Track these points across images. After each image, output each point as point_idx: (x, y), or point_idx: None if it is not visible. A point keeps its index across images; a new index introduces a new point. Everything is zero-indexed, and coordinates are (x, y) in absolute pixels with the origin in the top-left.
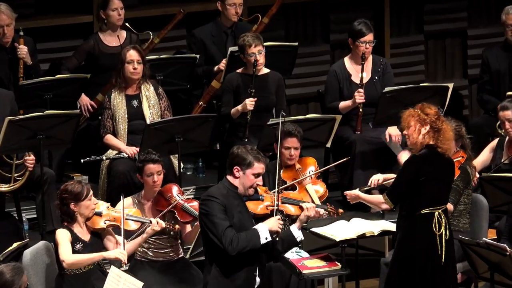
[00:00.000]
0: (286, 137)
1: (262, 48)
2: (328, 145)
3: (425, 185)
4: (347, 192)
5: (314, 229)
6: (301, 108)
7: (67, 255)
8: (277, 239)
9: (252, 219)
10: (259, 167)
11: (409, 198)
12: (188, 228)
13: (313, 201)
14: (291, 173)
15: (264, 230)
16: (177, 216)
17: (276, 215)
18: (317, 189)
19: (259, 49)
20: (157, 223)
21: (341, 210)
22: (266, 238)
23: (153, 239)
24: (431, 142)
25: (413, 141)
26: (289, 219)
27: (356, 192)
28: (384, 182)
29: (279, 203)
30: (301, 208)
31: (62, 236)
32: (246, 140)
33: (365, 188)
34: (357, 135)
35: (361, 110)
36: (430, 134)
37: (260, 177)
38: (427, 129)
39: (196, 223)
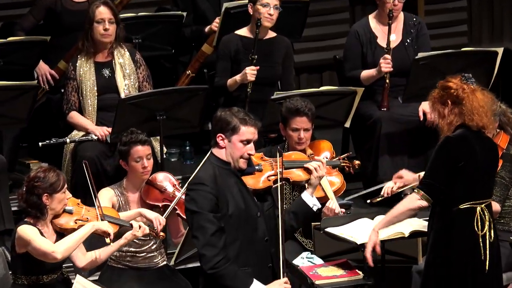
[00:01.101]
0: (294, 115)
1: (279, 4)
2: (347, 125)
3: (464, 173)
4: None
5: (329, 230)
6: (313, 78)
7: (51, 245)
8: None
9: (254, 197)
10: (247, 131)
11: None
12: (183, 229)
13: (327, 196)
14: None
15: None
16: (179, 212)
17: (280, 187)
18: (333, 181)
19: (276, 3)
20: (139, 227)
21: (357, 162)
22: None
23: (134, 241)
24: (460, 121)
25: (441, 127)
26: (298, 187)
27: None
28: (399, 190)
29: (282, 170)
30: (308, 170)
31: (32, 231)
32: None
33: (378, 199)
34: (383, 112)
35: (388, 81)
36: (454, 111)
37: (251, 145)
38: (449, 105)
39: None
